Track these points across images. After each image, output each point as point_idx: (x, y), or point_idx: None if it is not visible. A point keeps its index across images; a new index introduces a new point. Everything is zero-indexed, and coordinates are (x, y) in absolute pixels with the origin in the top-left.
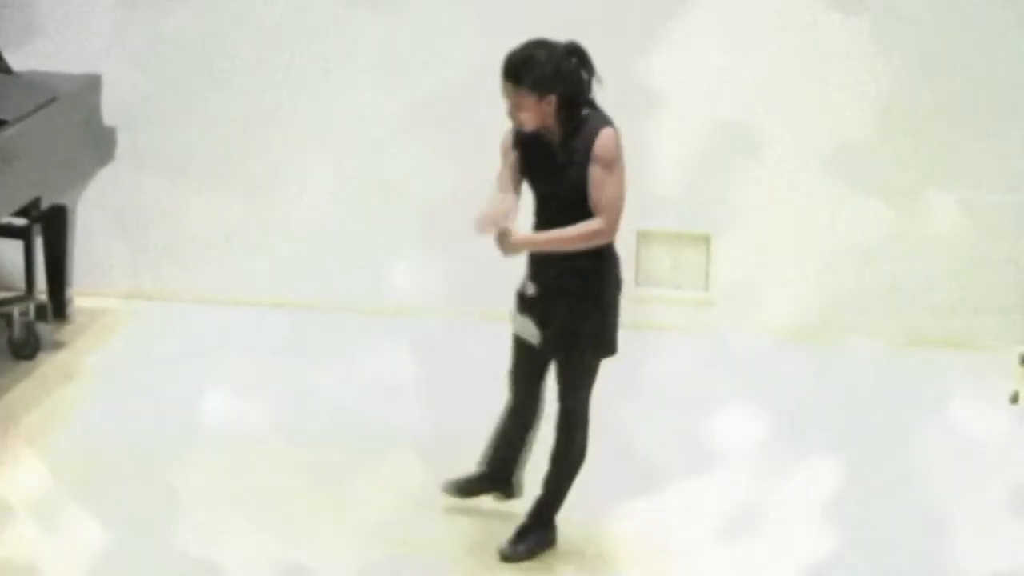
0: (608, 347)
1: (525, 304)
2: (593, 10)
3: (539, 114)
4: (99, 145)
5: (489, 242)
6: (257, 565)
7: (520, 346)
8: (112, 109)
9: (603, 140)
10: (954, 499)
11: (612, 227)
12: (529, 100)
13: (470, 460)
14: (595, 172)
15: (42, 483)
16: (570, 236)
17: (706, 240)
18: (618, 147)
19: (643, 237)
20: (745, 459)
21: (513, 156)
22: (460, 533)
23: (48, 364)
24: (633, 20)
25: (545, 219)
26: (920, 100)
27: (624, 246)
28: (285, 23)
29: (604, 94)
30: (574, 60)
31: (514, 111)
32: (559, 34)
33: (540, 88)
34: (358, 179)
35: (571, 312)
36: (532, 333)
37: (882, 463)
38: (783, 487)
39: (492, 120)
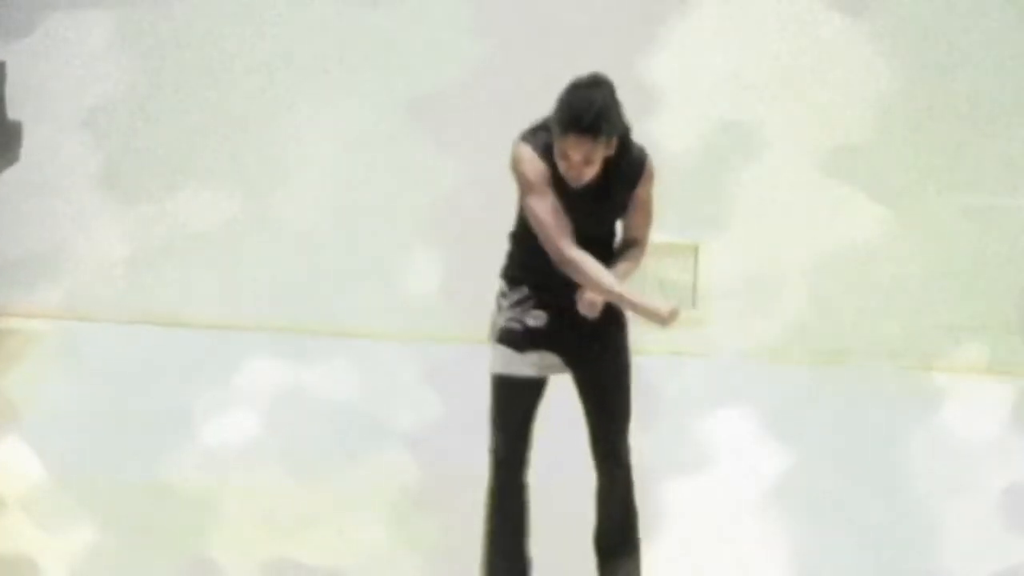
0: None
1: (530, 337)
2: (592, 9)
3: (600, 162)
4: (2, 143)
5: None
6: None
7: (522, 391)
8: (111, 110)
9: (650, 161)
10: (948, 502)
11: None
12: (600, 150)
13: (464, 459)
14: (644, 193)
15: None
16: (635, 269)
17: (693, 250)
18: None
19: None
20: (740, 464)
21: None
22: (458, 531)
23: None
24: (632, 20)
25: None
26: (921, 101)
27: None
28: (285, 23)
29: None
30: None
31: (579, 167)
32: (558, 34)
33: (612, 134)
34: (355, 185)
35: (622, 332)
36: (550, 366)
37: (877, 468)
38: (777, 490)
39: (493, 120)
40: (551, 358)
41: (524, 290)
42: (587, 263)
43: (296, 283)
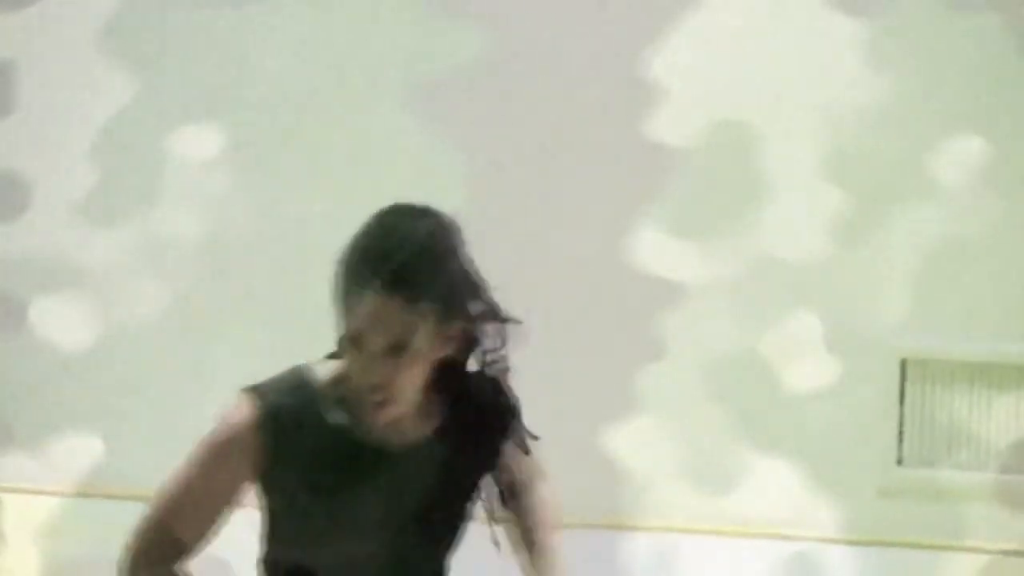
0: None
1: None
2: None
3: (424, 368)
4: None
5: None
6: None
7: None
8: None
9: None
10: None
11: None
12: (419, 330)
13: None
14: (517, 467)
15: None
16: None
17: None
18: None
19: (914, 369)
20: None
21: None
22: None
23: None
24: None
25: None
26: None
27: (878, 383)
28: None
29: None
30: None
31: (383, 367)
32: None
33: (448, 309)
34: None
35: None
36: None
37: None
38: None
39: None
40: None
41: None
42: None
43: None
